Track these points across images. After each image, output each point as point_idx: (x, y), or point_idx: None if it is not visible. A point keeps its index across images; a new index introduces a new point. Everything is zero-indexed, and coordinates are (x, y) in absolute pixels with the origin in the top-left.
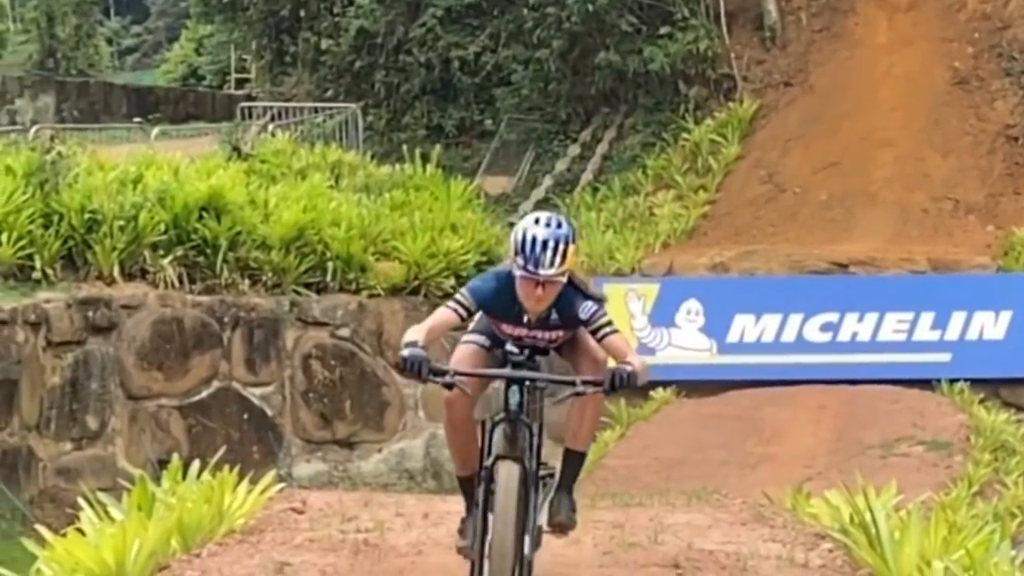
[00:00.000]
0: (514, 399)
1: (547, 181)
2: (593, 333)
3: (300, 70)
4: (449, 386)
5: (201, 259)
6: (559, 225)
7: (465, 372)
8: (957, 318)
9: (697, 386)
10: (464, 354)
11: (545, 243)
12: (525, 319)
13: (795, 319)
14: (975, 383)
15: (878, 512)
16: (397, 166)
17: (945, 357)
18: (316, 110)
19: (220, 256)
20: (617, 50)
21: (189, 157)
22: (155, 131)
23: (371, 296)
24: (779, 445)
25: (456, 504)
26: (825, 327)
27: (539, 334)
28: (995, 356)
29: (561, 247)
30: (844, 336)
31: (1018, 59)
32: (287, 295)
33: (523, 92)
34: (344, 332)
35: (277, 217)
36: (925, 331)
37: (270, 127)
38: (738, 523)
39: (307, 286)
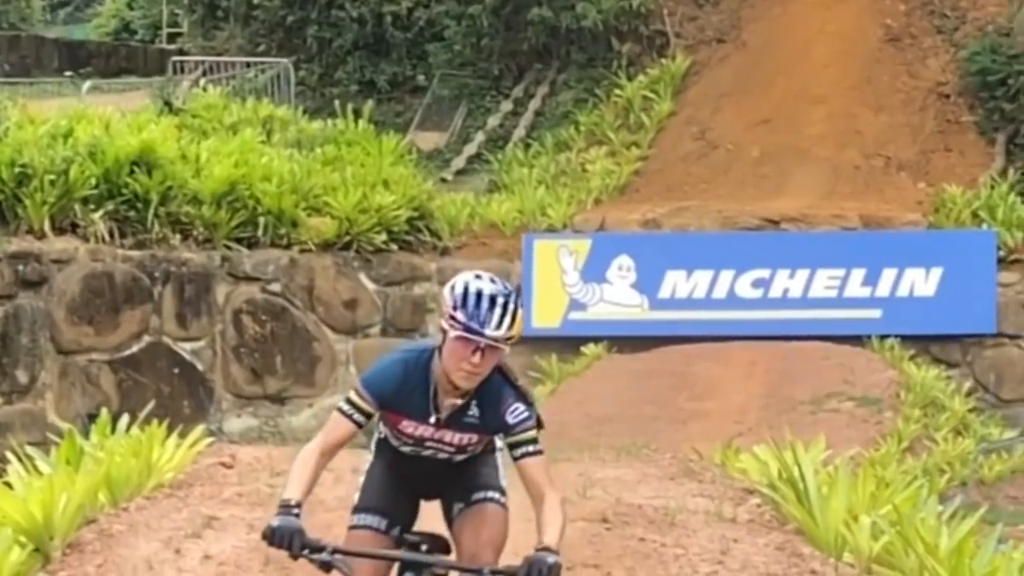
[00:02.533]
0: None
1: (479, 137)
2: (512, 446)
3: (232, 24)
4: (327, 567)
5: (132, 214)
6: (505, 286)
7: (346, 551)
8: (888, 275)
9: (628, 342)
10: (354, 541)
11: (493, 299)
12: (434, 416)
13: (727, 275)
14: (905, 339)
15: (806, 467)
16: (329, 121)
17: (876, 313)
18: (248, 65)
19: (151, 211)
20: (550, 6)
21: (121, 111)
22: (87, 85)
23: (302, 251)
24: (710, 401)
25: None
26: (757, 283)
27: (447, 436)
28: (925, 313)
29: (511, 307)
30: (775, 292)
31: (950, 17)
32: (218, 250)
33: (456, 48)
34: (275, 287)
35: (208, 172)
36: (856, 288)
37: (202, 82)
38: (667, 478)
39: (238, 241)
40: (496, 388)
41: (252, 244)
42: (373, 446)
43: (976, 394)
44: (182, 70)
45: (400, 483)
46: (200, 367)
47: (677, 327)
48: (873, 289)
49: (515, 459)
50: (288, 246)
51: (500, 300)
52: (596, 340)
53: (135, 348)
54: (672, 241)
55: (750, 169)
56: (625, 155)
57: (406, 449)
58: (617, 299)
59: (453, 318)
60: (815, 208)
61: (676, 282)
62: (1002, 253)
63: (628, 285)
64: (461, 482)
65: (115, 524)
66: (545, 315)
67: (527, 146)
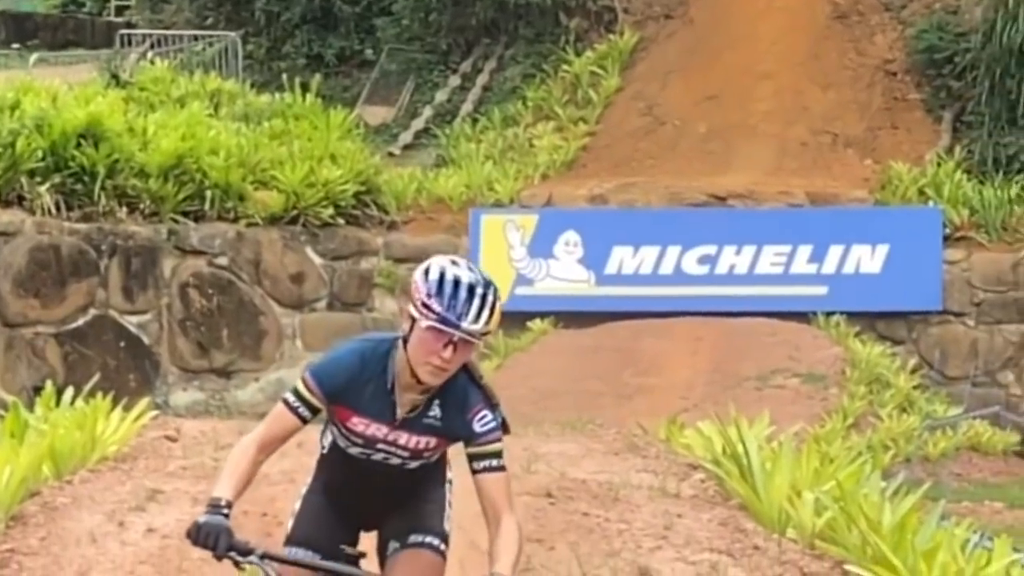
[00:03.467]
0: None
1: (427, 112)
2: (474, 457)
3: None
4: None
5: (79, 186)
6: (483, 275)
7: (277, 557)
8: (834, 251)
9: (575, 317)
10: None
11: (472, 289)
12: (390, 414)
13: (673, 251)
14: (851, 316)
15: (750, 443)
16: (277, 95)
17: (822, 290)
18: (196, 38)
19: (98, 184)
20: None
21: (68, 84)
22: (33, 57)
23: (249, 225)
24: (656, 376)
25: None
26: (703, 259)
27: (403, 438)
28: (871, 290)
29: (490, 299)
30: (722, 269)
31: None
32: (165, 223)
33: (404, 22)
34: (222, 261)
35: (155, 145)
36: (802, 264)
37: (149, 55)
38: (611, 453)
39: (185, 214)
40: (462, 389)
41: (199, 217)
42: (314, 465)
43: (921, 371)
44: (130, 43)
45: (339, 511)
46: (146, 340)
47: (623, 303)
48: (819, 266)
49: (474, 472)
50: (235, 220)
51: (479, 291)
52: (543, 315)
53: (81, 321)
54: (619, 217)
55: (697, 145)
56: (572, 131)
57: (354, 451)
58: (564, 274)
59: (426, 306)
60: (762, 184)
61: (623, 258)
62: (948, 230)
63: (575, 260)
64: (403, 514)
65: (59, 497)
66: None
67: (475, 121)
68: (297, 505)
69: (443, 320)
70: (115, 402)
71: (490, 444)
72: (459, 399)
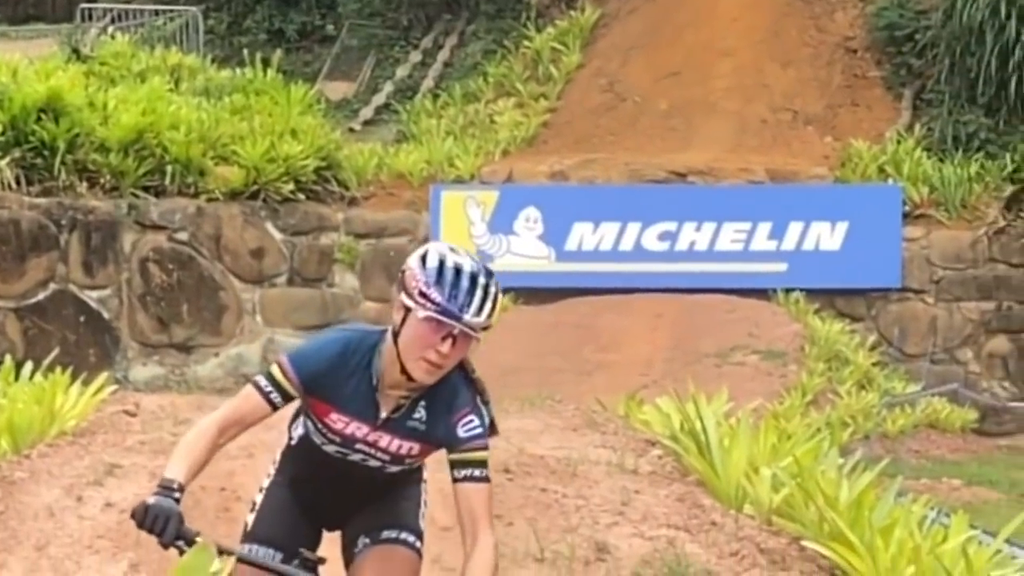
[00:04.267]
0: None
1: (388, 87)
2: (456, 465)
3: None
4: None
5: (39, 161)
6: (484, 264)
7: (230, 551)
8: (794, 228)
9: (535, 293)
10: None
11: (474, 279)
12: (372, 413)
13: (633, 228)
14: (811, 293)
15: (708, 420)
16: (237, 70)
17: (781, 267)
18: (156, 13)
19: (58, 158)
20: None
21: (28, 59)
22: None
23: (210, 200)
24: (616, 353)
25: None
26: (663, 236)
27: (384, 440)
28: (831, 267)
29: (492, 291)
30: (682, 245)
31: None
32: (125, 198)
33: None
34: (182, 236)
35: (116, 120)
36: (762, 241)
37: (110, 29)
38: (570, 429)
39: (145, 189)
40: (451, 389)
41: (159, 192)
42: (278, 456)
43: (880, 348)
44: (90, 17)
45: (305, 509)
46: (106, 315)
47: (583, 279)
48: (779, 243)
49: (455, 480)
50: (195, 195)
51: (481, 281)
52: (503, 291)
53: (41, 296)
54: (579, 193)
55: (658, 122)
56: (533, 107)
57: (329, 449)
58: (524, 251)
59: (425, 296)
60: (722, 161)
61: (583, 234)
62: (907, 208)
63: (535, 237)
64: (375, 511)
65: (16, 471)
66: None
67: (436, 97)
68: (259, 498)
69: (444, 311)
70: (74, 377)
71: (474, 452)
72: (447, 401)
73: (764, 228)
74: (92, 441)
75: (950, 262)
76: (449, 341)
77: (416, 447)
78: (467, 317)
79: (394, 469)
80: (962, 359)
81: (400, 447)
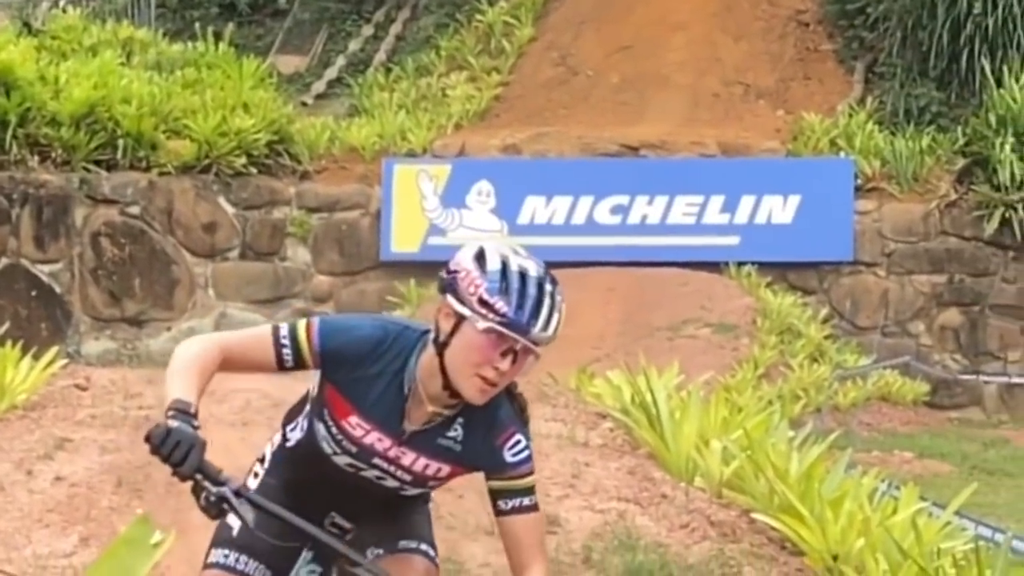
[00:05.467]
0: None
1: (340, 61)
2: (499, 494)
3: None
4: (215, 507)
5: None
6: (544, 266)
7: (252, 498)
8: (746, 202)
9: None
10: None
11: (541, 285)
12: (404, 424)
13: (586, 201)
14: (763, 266)
15: (659, 392)
16: (189, 44)
17: (734, 240)
18: None
19: (9, 132)
20: None
21: None
22: None
23: (162, 174)
24: (568, 326)
25: (242, 382)
26: (615, 209)
27: (408, 458)
28: (783, 240)
29: (559, 299)
30: (634, 219)
31: None
32: (77, 172)
33: None
34: (134, 210)
35: (68, 94)
36: (714, 214)
37: (61, 3)
38: None
39: (97, 163)
40: (493, 405)
41: (111, 166)
42: (268, 455)
43: (832, 321)
44: None
45: (303, 517)
46: (58, 289)
47: (536, 252)
48: (731, 216)
49: (500, 512)
50: (147, 169)
51: (548, 288)
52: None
53: None
54: (532, 167)
55: (610, 95)
56: (486, 80)
57: (340, 460)
58: (477, 224)
59: (487, 305)
60: (674, 135)
61: (535, 208)
62: (859, 181)
63: (488, 210)
64: (384, 526)
65: None
66: (404, 240)
67: (388, 71)
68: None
69: (510, 324)
70: (25, 351)
71: (522, 478)
72: (487, 418)
73: (716, 201)
74: (42, 415)
75: (902, 235)
76: (509, 358)
77: (445, 469)
78: (535, 331)
79: (413, 492)
80: (914, 332)
81: (426, 467)
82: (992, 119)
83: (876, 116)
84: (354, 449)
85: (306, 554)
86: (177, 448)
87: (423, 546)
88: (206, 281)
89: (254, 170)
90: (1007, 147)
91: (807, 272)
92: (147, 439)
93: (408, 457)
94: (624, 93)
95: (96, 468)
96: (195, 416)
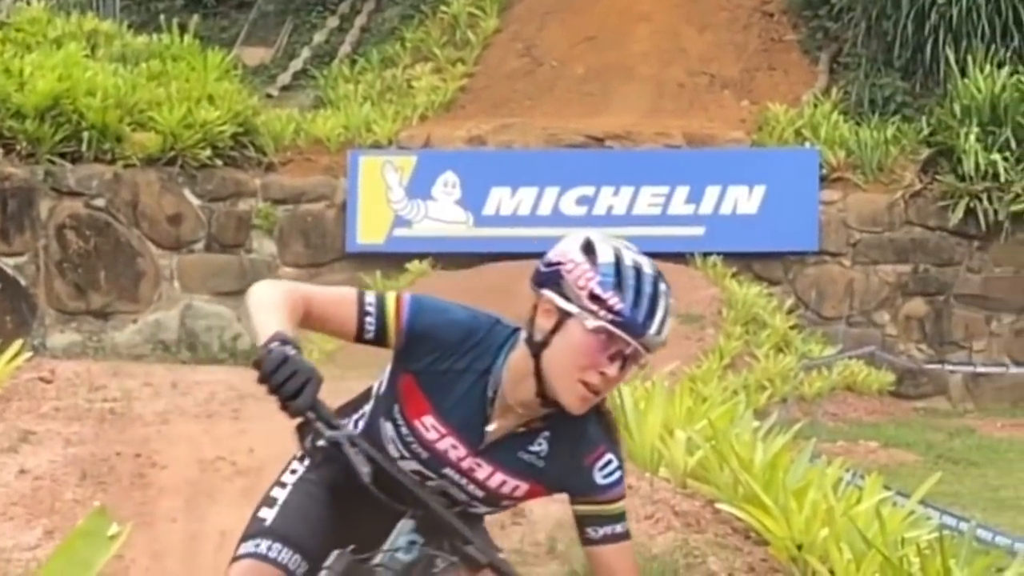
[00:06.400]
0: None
1: (305, 53)
2: (588, 520)
3: None
4: (323, 453)
5: None
6: (650, 262)
7: (365, 448)
8: (711, 192)
9: (453, 258)
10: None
11: (656, 283)
12: (484, 435)
13: (551, 192)
14: (728, 257)
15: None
16: (154, 36)
17: (699, 231)
18: None
19: None
20: None
21: None
22: None
23: (127, 166)
24: None
25: (206, 374)
26: (581, 200)
27: (484, 472)
28: (748, 230)
29: (670, 300)
30: (600, 210)
31: None
32: (41, 164)
33: None
34: (99, 202)
35: (32, 86)
36: (680, 205)
37: None
38: None
39: (62, 156)
40: (583, 421)
41: (76, 159)
42: (306, 445)
43: (797, 311)
44: None
45: (341, 526)
46: (23, 282)
47: (502, 244)
48: (696, 207)
49: (590, 542)
50: (112, 161)
51: (662, 288)
52: (421, 257)
53: None
54: (497, 158)
55: (575, 86)
56: (451, 72)
57: (406, 466)
58: (442, 216)
59: (600, 301)
60: (639, 126)
61: (501, 199)
62: (824, 171)
63: (453, 202)
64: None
65: None
66: (370, 232)
67: (353, 62)
68: (279, 492)
69: (624, 323)
70: None
71: (613, 503)
72: (576, 433)
73: (682, 192)
74: (7, 408)
75: (867, 225)
76: (618, 363)
77: (523, 488)
78: (649, 333)
79: (481, 510)
80: (879, 322)
81: (502, 484)
82: (957, 109)
83: (841, 106)
84: (425, 455)
85: (406, 522)
86: (293, 378)
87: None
88: (171, 273)
89: (219, 162)
90: (972, 137)
91: (772, 262)
92: (257, 364)
93: (483, 471)
94: (589, 84)
95: (60, 461)
96: (290, 337)
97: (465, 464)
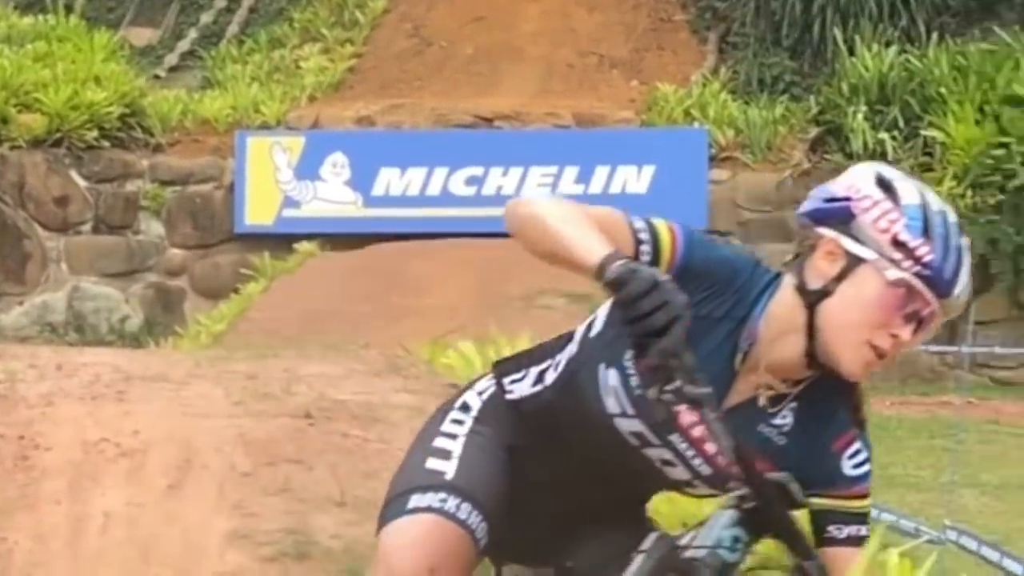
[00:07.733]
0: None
1: (192, 33)
2: (826, 516)
3: None
4: (669, 411)
5: None
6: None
7: (726, 428)
8: (601, 172)
9: (342, 239)
10: (408, 532)
11: (961, 237)
12: (725, 398)
13: (440, 173)
14: None
15: None
16: (40, 17)
17: None
18: None
19: None
20: None
21: None
22: None
23: (12, 148)
24: (424, 298)
25: (92, 355)
26: (470, 181)
27: (714, 444)
28: (638, 210)
29: (969, 264)
30: (489, 190)
31: None
32: None
33: None
34: None
35: None
36: (569, 185)
37: None
38: (372, 374)
39: None
40: (836, 399)
41: None
42: (475, 404)
43: None
44: None
45: (516, 495)
46: None
47: (391, 224)
48: (586, 186)
49: (831, 541)
50: None
51: (965, 242)
52: (310, 237)
53: None
54: (386, 138)
55: (464, 67)
56: (339, 52)
57: (626, 425)
58: (331, 196)
59: (904, 248)
60: (528, 106)
61: (390, 179)
62: (713, 151)
63: (342, 182)
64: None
65: None
66: (258, 212)
67: (241, 43)
68: (449, 444)
69: (932, 279)
70: None
71: (860, 499)
72: (826, 411)
73: (571, 172)
74: None
75: (755, 204)
76: (912, 324)
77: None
78: (955, 292)
79: (700, 492)
80: None
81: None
82: (844, 88)
83: (730, 86)
84: (652, 416)
85: (729, 513)
86: (663, 309)
87: None
88: (59, 255)
89: (106, 143)
90: (859, 116)
91: None
92: (616, 284)
93: (714, 443)
94: (478, 64)
95: None
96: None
97: (695, 432)
